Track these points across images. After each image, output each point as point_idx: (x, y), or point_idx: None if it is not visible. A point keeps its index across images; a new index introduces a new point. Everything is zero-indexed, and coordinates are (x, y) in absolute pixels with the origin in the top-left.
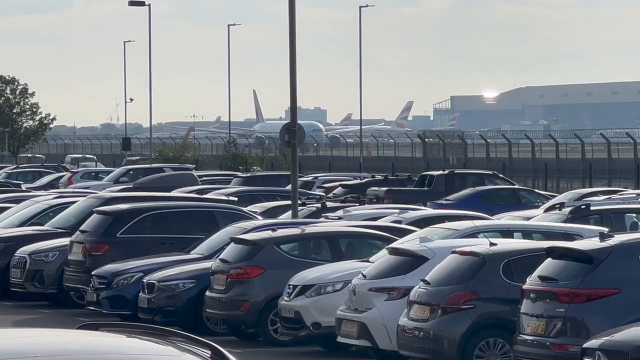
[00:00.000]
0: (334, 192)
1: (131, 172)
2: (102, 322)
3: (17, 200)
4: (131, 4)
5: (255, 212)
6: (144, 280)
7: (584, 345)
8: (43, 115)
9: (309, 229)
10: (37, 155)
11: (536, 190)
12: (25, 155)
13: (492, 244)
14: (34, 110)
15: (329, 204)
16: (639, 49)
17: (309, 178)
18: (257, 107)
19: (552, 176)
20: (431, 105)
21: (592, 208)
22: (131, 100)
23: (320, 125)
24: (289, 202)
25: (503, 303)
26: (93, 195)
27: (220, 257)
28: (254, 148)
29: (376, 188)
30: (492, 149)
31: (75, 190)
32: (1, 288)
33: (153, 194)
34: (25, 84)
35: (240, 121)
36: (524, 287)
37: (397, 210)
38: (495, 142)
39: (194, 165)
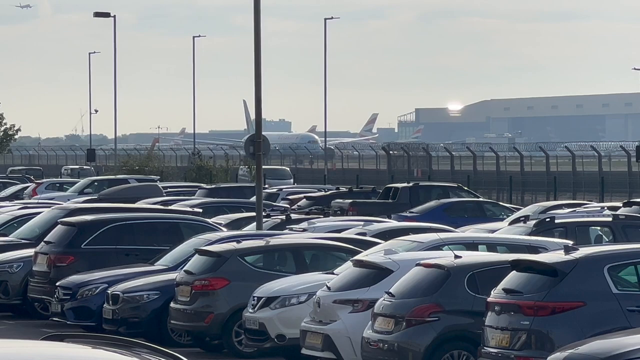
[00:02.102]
0: (299, 204)
1: (96, 183)
2: (68, 333)
3: None
4: (96, 15)
5: (219, 224)
6: (109, 292)
7: (548, 358)
8: (8, 125)
9: (274, 241)
10: (84, 167)
11: (501, 203)
12: (72, 167)
13: (456, 257)
14: None
15: (294, 216)
16: (604, 63)
17: (273, 190)
18: (247, 117)
19: (517, 189)
20: (396, 117)
21: (556, 221)
22: (96, 111)
23: (316, 137)
24: (254, 213)
25: (468, 315)
26: (58, 206)
27: (184, 268)
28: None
29: (341, 200)
30: (457, 161)
31: (40, 201)
32: None
33: (118, 205)
34: None
35: (205, 132)
36: (489, 299)
37: (362, 223)
38: (459, 154)
39: (159, 177)
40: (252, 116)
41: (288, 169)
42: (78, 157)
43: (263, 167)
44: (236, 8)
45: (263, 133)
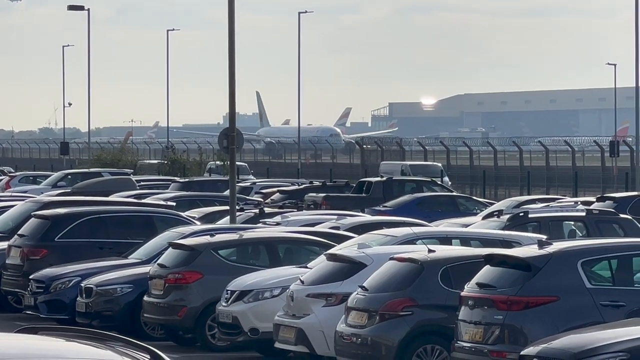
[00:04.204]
0: (272, 197)
1: (69, 177)
2: (42, 326)
3: None
4: (70, 8)
5: (193, 217)
6: (82, 285)
7: (522, 353)
8: None
9: (247, 235)
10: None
11: (474, 198)
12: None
13: (430, 251)
14: None
15: (267, 210)
16: (577, 58)
17: (247, 183)
18: (261, 110)
19: (490, 183)
20: (369, 111)
21: (530, 215)
22: (70, 104)
23: (338, 130)
24: (227, 207)
25: (441, 310)
26: (31, 199)
27: (158, 262)
28: (264, 154)
29: (314, 194)
30: (430, 156)
31: (14, 194)
32: None
33: (91, 198)
34: None
35: (178, 126)
36: (462, 294)
37: (335, 217)
38: (433, 149)
39: (132, 170)
40: (226, 109)
41: (440, 164)
42: (51, 151)
43: (414, 163)
44: (211, 2)
45: (272, 127)
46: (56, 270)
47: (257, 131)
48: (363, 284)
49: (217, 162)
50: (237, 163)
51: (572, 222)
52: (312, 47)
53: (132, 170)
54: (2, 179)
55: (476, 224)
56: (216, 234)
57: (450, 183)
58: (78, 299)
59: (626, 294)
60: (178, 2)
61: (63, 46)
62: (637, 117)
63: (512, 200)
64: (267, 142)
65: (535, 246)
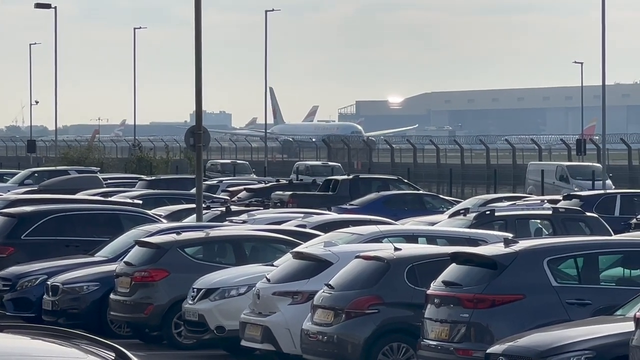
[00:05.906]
0: (239, 196)
1: (36, 175)
2: (7, 324)
3: None
4: (37, 6)
5: (159, 215)
6: (49, 283)
7: (488, 351)
8: None
9: (214, 233)
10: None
11: (441, 196)
12: (221, 161)
13: (396, 249)
14: None
15: (234, 208)
16: (544, 56)
17: (213, 182)
18: (274, 106)
19: (457, 182)
20: (336, 109)
21: (496, 214)
22: (36, 102)
23: (359, 127)
24: (194, 205)
25: (407, 308)
26: None
27: (124, 260)
28: (279, 152)
29: (281, 192)
30: (397, 154)
31: None
32: None
33: (58, 196)
34: None
35: (146, 124)
36: (428, 292)
37: (302, 215)
38: (400, 147)
39: (99, 168)
40: (193, 107)
41: (599, 165)
42: (18, 149)
43: (571, 164)
44: (177, 0)
45: (287, 125)
46: (22, 268)
47: (271, 129)
48: (329, 282)
49: (307, 163)
50: (311, 163)
51: (539, 221)
52: (279, 44)
53: (98, 168)
54: None
55: (442, 222)
56: (182, 232)
57: (613, 187)
58: (44, 297)
59: (592, 292)
60: (145, 0)
61: (30, 44)
62: (603, 116)
63: (479, 198)
64: (283, 140)
65: (502, 244)
